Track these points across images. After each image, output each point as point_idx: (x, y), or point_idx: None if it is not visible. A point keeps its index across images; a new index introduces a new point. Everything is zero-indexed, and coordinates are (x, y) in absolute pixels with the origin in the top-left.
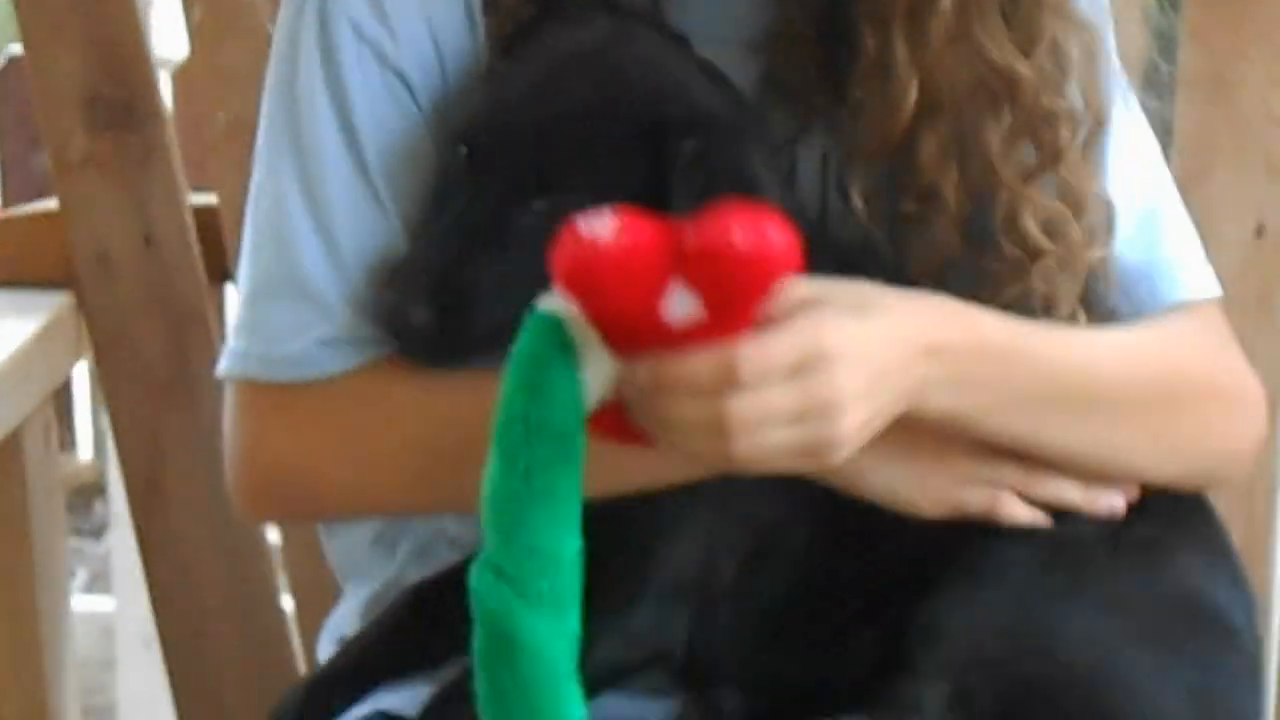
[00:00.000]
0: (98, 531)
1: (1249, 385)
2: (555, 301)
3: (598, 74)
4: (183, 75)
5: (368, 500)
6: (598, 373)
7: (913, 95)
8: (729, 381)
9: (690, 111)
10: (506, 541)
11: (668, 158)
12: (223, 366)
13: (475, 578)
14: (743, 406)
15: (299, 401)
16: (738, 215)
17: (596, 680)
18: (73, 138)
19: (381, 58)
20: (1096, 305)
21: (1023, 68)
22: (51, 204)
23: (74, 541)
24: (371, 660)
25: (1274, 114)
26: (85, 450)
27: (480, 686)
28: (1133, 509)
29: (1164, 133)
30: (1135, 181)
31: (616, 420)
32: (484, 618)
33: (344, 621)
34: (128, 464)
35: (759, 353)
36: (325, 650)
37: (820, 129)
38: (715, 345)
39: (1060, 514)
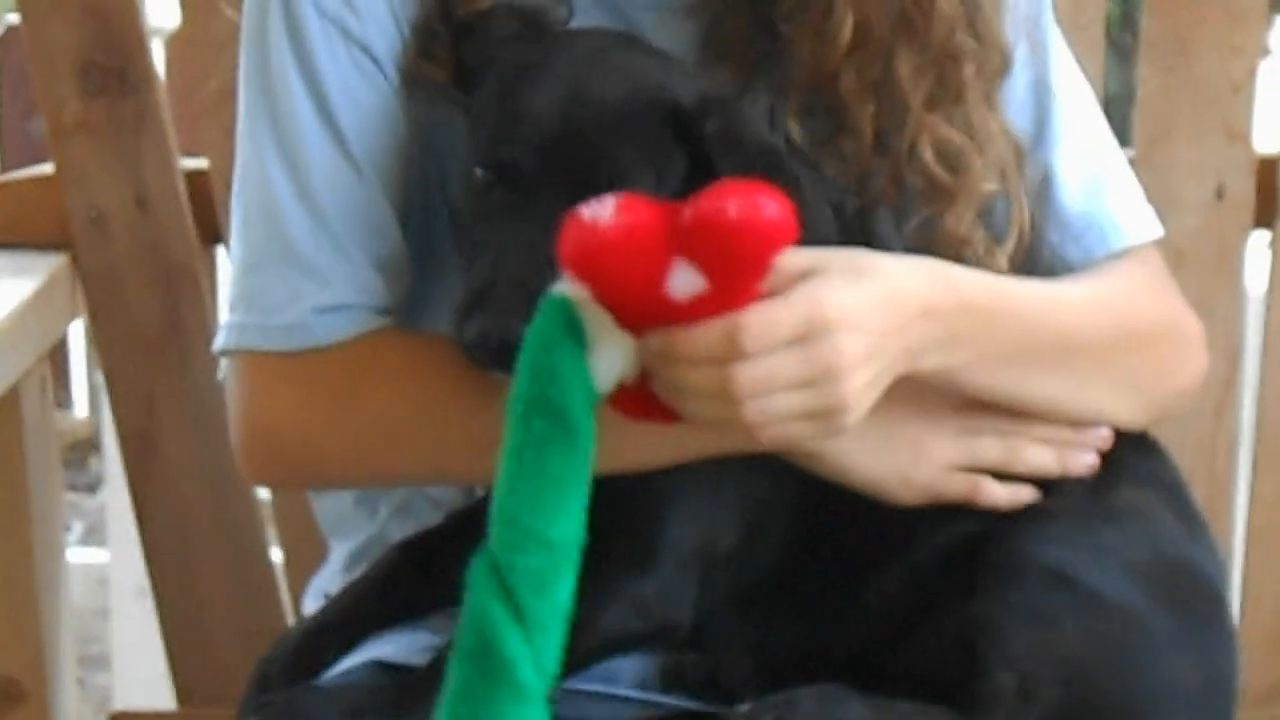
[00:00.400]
0: (93, 486)
1: (1190, 323)
2: (567, 286)
3: (604, 77)
4: (174, 43)
5: (368, 468)
6: (614, 353)
7: (848, 30)
8: (734, 351)
9: (698, 95)
10: (501, 524)
11: (696, 140)
12: (220, 341)
13: (473, 567)
14: (749, 374)
15: (298, 370)
16: (732, 190)
17: (604, 649)
18: (68, 104)
19: (346, 32)
20: (1050, 254)
21: (942, 2)
22: (47, 168)
23: (70, 496)
24: (360, 611)
25: (1233, 80)
26: (81, 407)
27: (452, 674)
28: (1104, 468)
29: (1128, 99)
30: (1082, 138)
31: (640, 398)
32: (472, 616)
33: (329, 579)
34: (121, 420)
35: (761, 322)
36: (311, 607)
37: (763, 84)
38: (721, 317)
39: (1044, 484)
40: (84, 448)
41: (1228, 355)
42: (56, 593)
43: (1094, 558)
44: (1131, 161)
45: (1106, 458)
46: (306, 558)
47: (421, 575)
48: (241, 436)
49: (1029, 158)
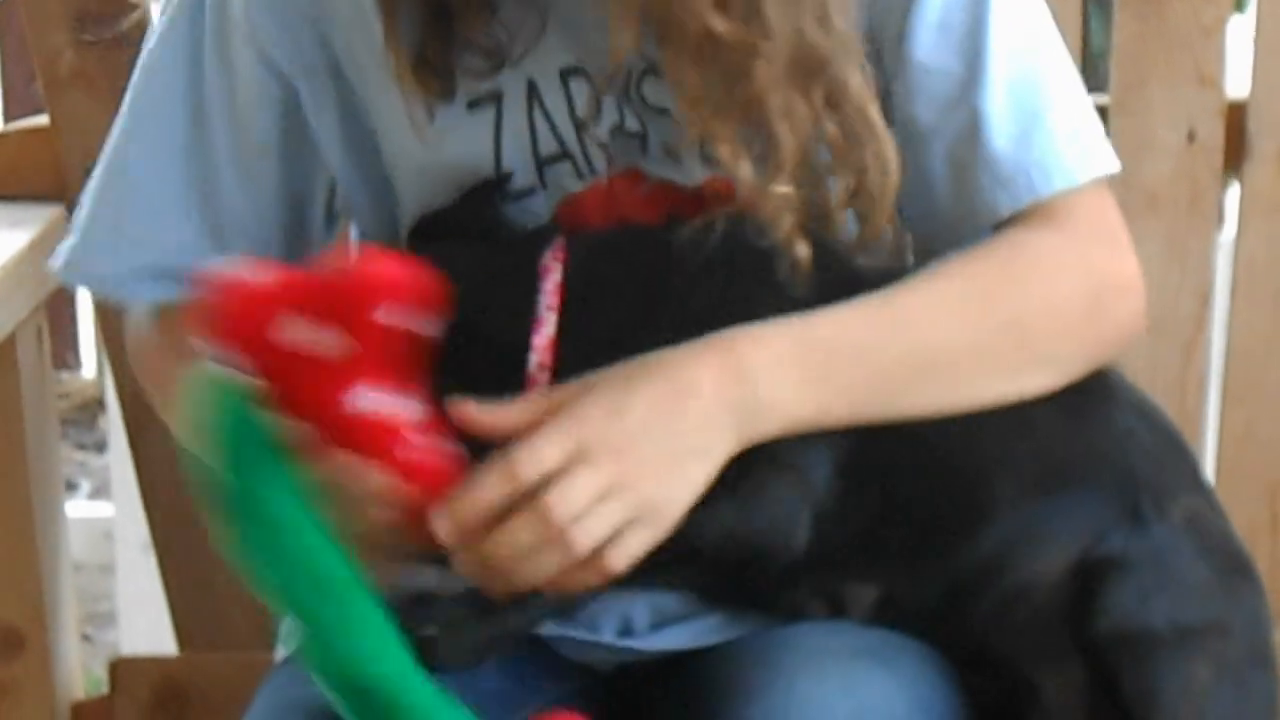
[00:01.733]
0: (101, 445)
1: (1119, 269)
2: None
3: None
4: None
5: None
6: None
7: None
8: (517, 487)
9: None
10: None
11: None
12: (59, 261)
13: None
14: (559, 502)
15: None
16: (336, 251)
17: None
18: (62, 54)
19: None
20: (981, 201)
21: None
22: (42, 120)
23: (79, 455)
24: None
25: (1204, 26)
26: (89, 369)
27: None
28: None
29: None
30: (1018, 81)
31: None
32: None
33: None
34: (120, 377)
35: (530, 450)
36: None
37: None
38: (338, 369)
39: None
40: (92, 407)
41: (1199, 295)
42: (56, 541)
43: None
44: (1107, 108)
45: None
46: None
47: None
48: None
49: (958, 102)
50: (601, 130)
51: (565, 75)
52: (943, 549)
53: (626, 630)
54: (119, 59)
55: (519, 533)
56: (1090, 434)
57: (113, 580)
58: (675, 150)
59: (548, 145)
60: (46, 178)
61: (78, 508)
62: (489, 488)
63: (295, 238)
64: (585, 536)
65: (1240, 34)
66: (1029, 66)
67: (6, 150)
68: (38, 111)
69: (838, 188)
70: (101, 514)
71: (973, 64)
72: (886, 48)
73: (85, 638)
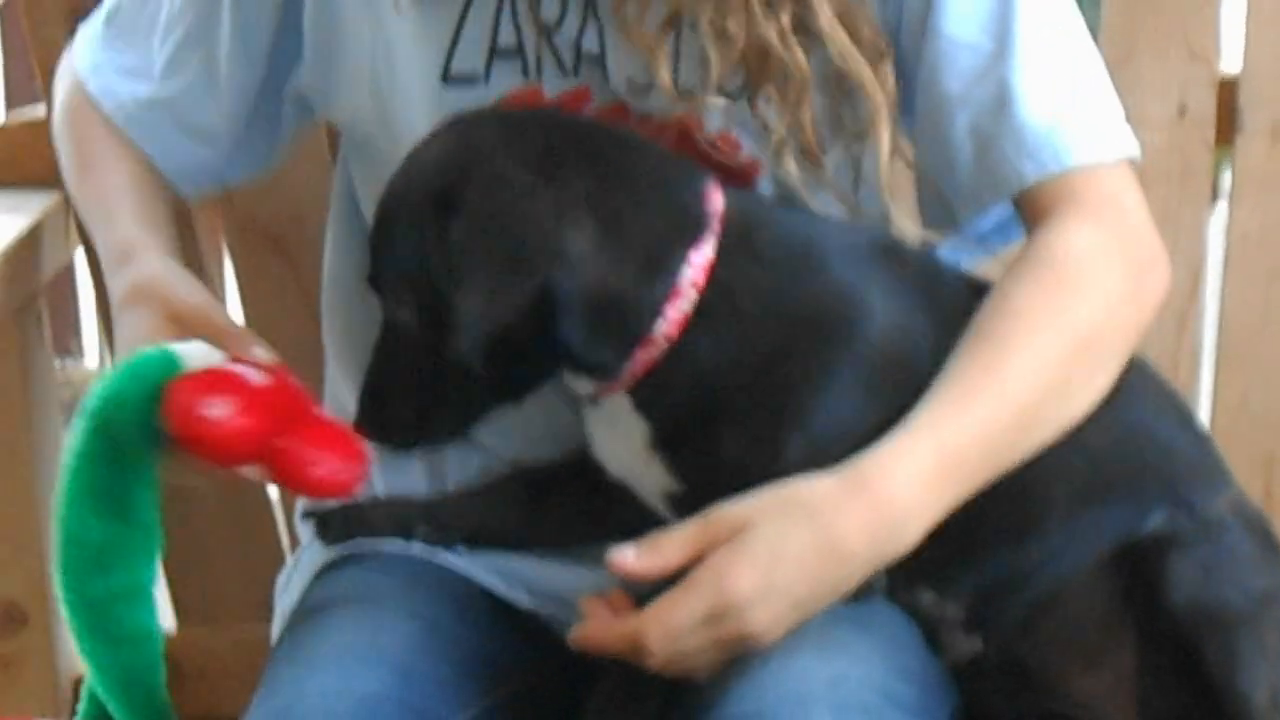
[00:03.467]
0: None
1: (1146, 245)
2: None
3: (414, 166)
4: None
5: None
6: None
7: None
8: (640, 654)
9: (466, 175)
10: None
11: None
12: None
13: None
14: (659, 651)
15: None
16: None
17: None
18: (59, 45)
19: None
20: (1007, 170)
21: None
22: (40, 111)
23: None
24: (461, 509)
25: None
26: (92, 358)
27: None
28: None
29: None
30: (1048, 55)
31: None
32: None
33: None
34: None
35: (664, 627)
36: (302, 529)
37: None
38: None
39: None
40: None
41: (1191, 268)
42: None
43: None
44: None
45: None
46: None
47: (530, 504)
48: None
49: (986, 74)
50: (562, 38)
51: None
52: (986, 554)
53: None
54: None
55: (699, 638)
56: (1134, 443)
57: None
58: (635, 80)
59: (506, 38)
60: (44, 166)
61: None
62: (618, 638)
63: (268, 114)
64: (678, 666)
65: (1235, 9)
66: (1057, 44)
67: (5, 140)
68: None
69: (803, 113)
70: None
71: (1002, 39)
72: (910, 13)
73: None
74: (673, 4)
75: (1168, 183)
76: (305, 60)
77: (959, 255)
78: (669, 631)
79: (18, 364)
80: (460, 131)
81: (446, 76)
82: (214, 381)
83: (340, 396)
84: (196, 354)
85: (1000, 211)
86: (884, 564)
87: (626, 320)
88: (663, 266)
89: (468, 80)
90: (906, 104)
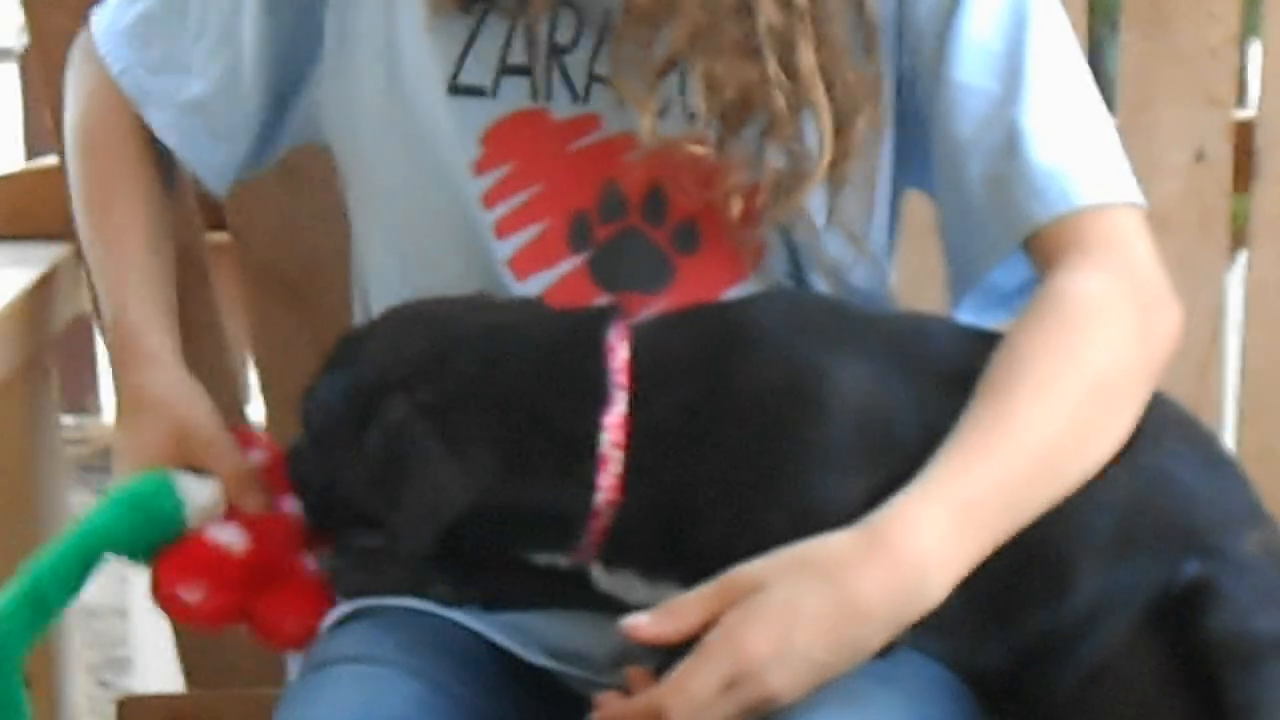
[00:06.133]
0: None
1: (1152, 287)
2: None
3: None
4: None
5: None
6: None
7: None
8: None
9: (384, 379)
10: None
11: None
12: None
13: None
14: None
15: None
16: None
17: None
18: None
19: None
20: (1017, 214)
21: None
22: (51, 160)
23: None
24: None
25: (1211, 46)
26: (110, 413)
27: None
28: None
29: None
30: (1056, 98)
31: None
32: None
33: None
34: None
35: (684, 697)
36: None
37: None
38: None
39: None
40: (109, 455)
41: (1210, 314)
42: None
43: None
44: (1116, 129)
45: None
46: None
47: (553, 570)
48: None
49: (996, 118)
50: (574, 61)
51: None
52: (1019, 617)
53: (625, 660)
54: None
55: (721, 706)
56: (1155, 494)
57: (129, 625)
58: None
59: (517, 55)
60: (56, 218)
61: None
62: (708, 675)
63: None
64: (785, 694)
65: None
66: (1065, 89)
67: (17, 189)
68: None
69: (776, 159)
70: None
71: (1011, 83)
72: (922, 64)
73: (102, 684)
74: (671, 50)
75: (1186, 230)
76: (323, 63)
77: (983, 316)
78: (689, 701)
79: (23, 421)
80: (351, 367)
81: (454, 86)
82: (192, 562)
83: None
84: (194, 491)
85: (1023, 271)
86: (906, 623)
87: (562, 513)
88: (578, 448)
89: (475, 92)
90: (922, 158)
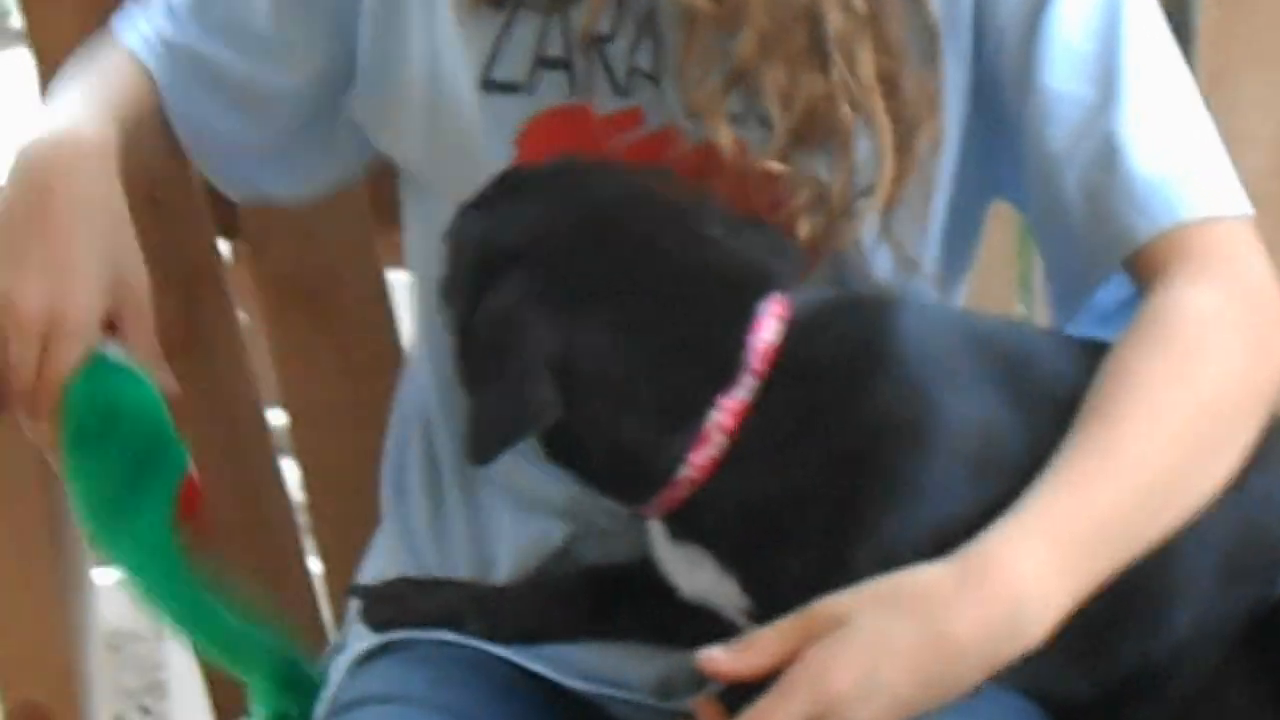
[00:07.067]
0: None
1: (1273, 303)
2: None
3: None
4: None
5: None
6: None
7: None
8: None
9: (511, 246)
10: None
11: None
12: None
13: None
14: None
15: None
16: None
17: None
18: None
19: None
20: (1118, 228)
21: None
22: None
23: None
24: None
25: None
26: None
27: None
28: None
29: (1188, 36)
30: (1155, 105)
31: None
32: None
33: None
34: None
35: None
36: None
37: None
38: None
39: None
40: None
41: None
42: (83, 611)
43: None
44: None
45: None
46: (344, 563)
47: (594, 608)
48: None
49: (1091, 127)
50: (614, 53)
51: None
52: (1112, 651)
53: (668, 687)
54: None
55: None
56: (1262, 520)
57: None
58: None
59: (552, 48)
60: None
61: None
62: (790, 708)
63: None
64: None
65: None
66: (1163, 91)
67: None
68: None
69: (838, 175)
70: None
71: (1106, 89)
72: (1006, 69)
73: (144, 710)
74: (740, 60)
75: (1270, 206)
76: (358, 86)
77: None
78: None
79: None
80: (501, 214)
81: (486, 83)
82: None
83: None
84: None
85: (1123, 289)
86: (1002, 663)
87: (641, 472)
88: (683, 416)
89: (509, 88)
90: (1011, 173)
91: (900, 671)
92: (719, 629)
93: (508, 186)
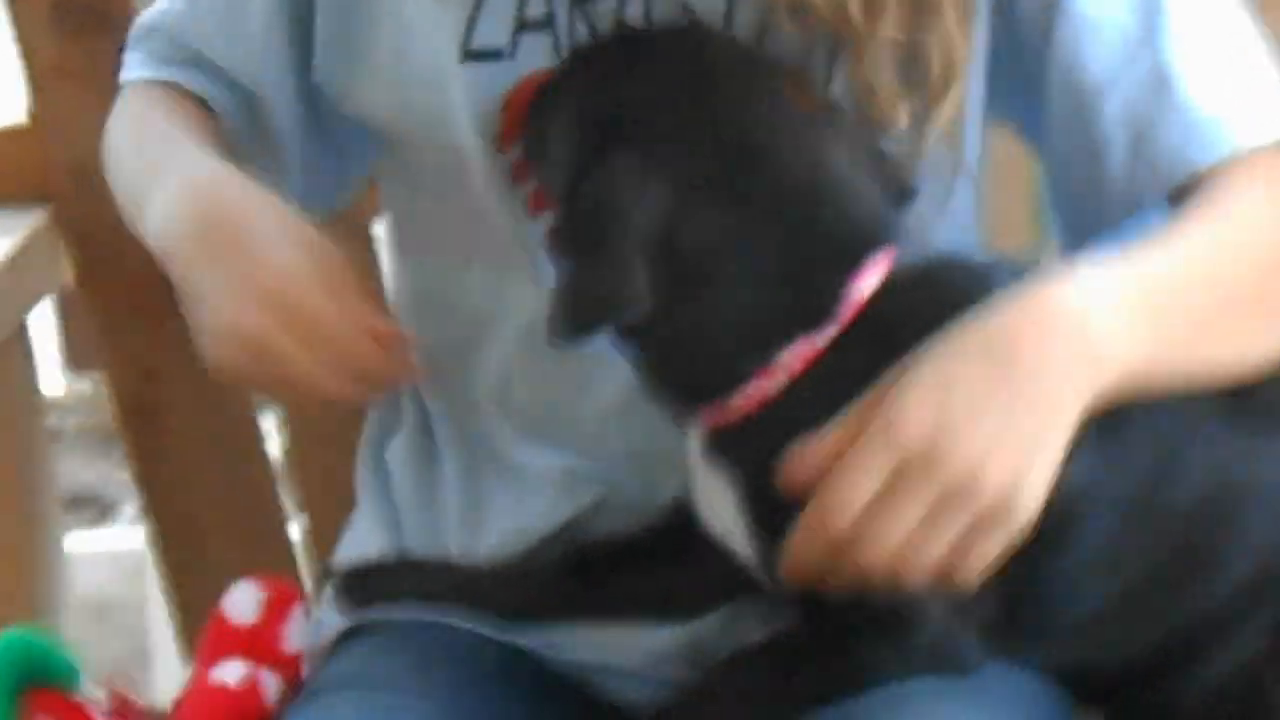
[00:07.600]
0: None
1: None
2: None
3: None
4: None
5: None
6: None
7: None
8: (835, 536)
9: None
10: None
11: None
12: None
13: None
14: (885, 539)
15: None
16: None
17: None
18: (43, 47)
19: None
20: (1171, 160)
21: None
22: (22, 118)
23: (122, 475)
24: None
25: None
26: None
27: None
28: None
29: None
30: (1203, 32)
31: None
32: None
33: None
34: (116, 383)
35: (840, 493)
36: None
37: None
38: None
39: None
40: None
41: None
42: (53, 581)
43: None
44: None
45: None
46: (328, 526)
47: (582, 585)
48: None
49: (1136, 55)
50: (599, 10)
51: None
52: (1160, 611)
53: (662, 662)
54: (103, 50)
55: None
56: None
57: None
58: None
59: (535, 8)
60: (30, 180)
61: (116, 535)
62: (806, 545)
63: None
64: (922, 565)
65: None
66: (1211, 14)
67: None
68: None
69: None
70: (137, 545)
71: (1149, 15)
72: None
73: (131, 680)
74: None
75: None
76: (315, 53)
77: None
78: (848, 494)
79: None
80: (618, 75)
81: (466, 52)
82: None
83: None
84: None
85: (1144, 221)
86: (1088, 383)
87: (700, 379)
88: (754, 345)
89: (490, 56)
90: (1031, 100)
91: (975, 399)
92: (712, 605)
93: (627, 43)
